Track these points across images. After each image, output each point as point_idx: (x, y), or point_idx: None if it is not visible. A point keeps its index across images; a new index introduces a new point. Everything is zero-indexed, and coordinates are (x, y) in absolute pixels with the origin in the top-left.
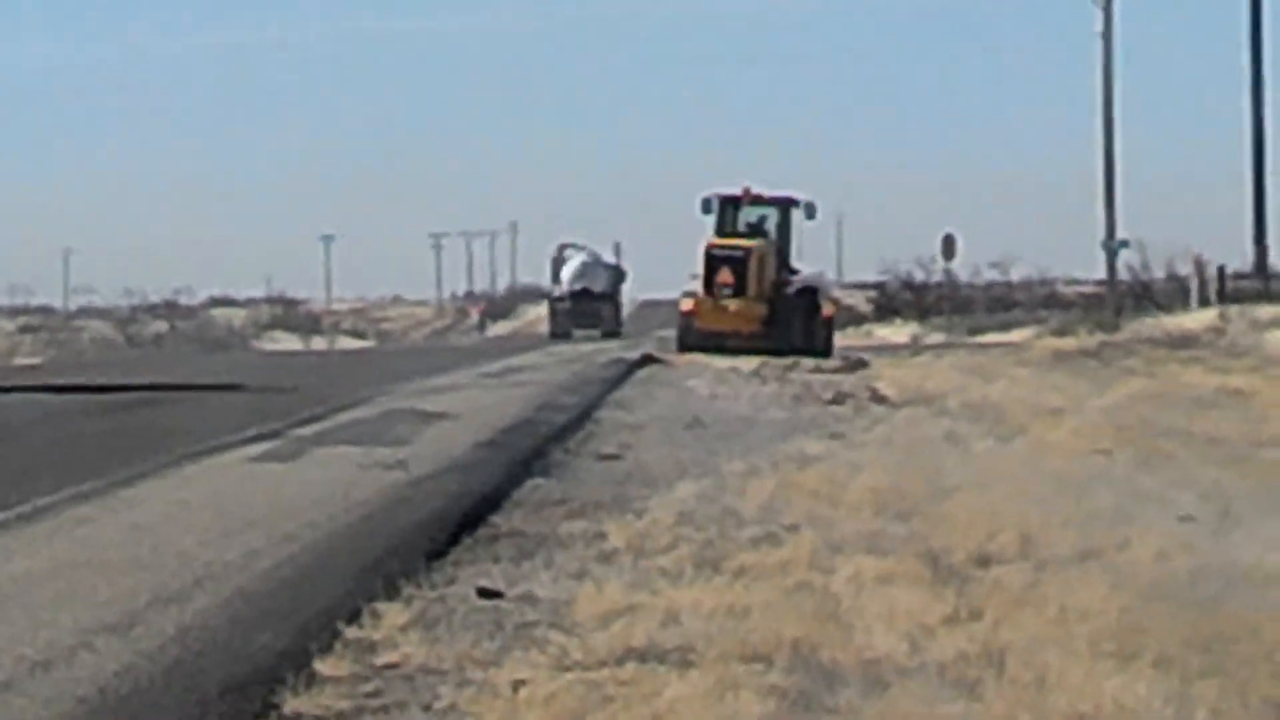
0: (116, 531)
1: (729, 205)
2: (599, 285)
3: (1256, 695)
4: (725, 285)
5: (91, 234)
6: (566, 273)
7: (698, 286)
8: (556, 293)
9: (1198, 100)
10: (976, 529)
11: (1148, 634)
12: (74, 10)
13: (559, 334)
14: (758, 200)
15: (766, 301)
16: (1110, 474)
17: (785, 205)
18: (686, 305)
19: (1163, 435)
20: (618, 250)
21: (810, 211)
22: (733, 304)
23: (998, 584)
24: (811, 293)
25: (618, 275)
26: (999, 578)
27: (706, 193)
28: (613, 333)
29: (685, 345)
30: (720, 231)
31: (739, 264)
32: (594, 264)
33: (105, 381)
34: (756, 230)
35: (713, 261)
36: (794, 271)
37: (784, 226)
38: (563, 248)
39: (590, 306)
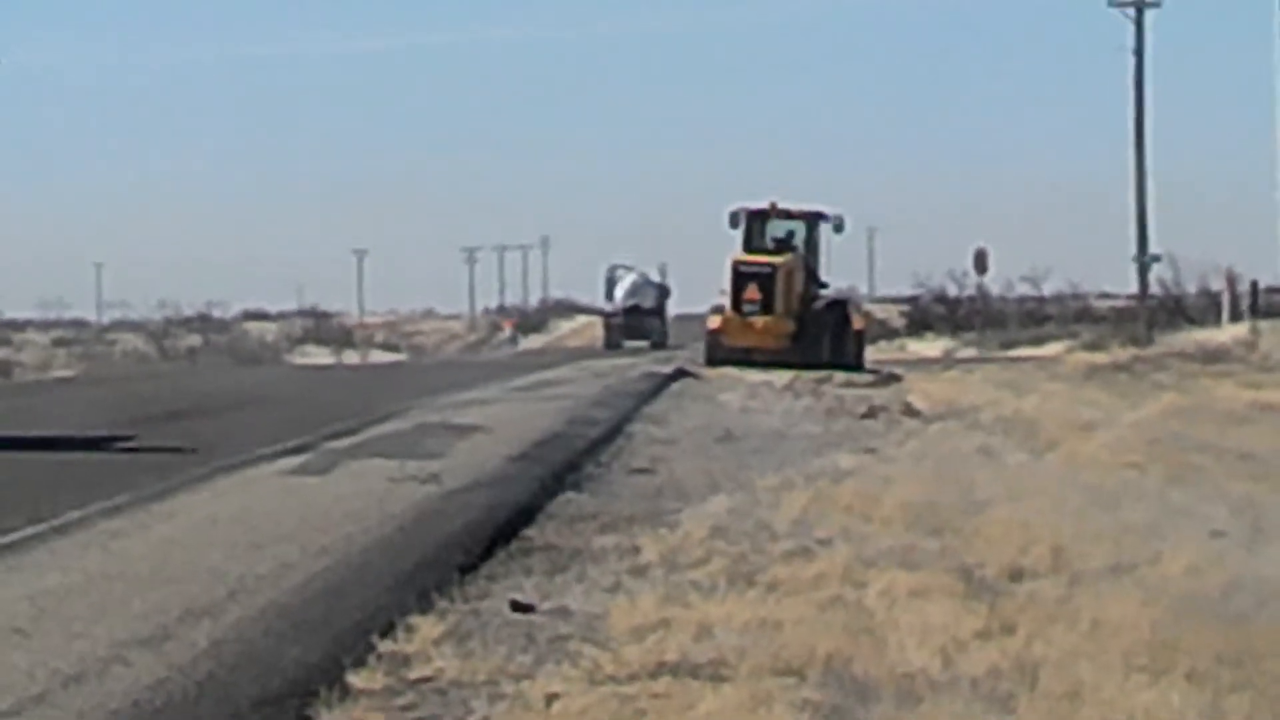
0: (149, 545)
1: (756, 219)
2: (648, 302)
3: None
4: (752, 301)
5: (124, 247)
6: (619, 291)
7: (725, 302)
8: (610, 308)
9: (1230, 114)
10: (1009, 543)
11: (1180, 648)
12: (107, 23)
13: (612, 345)
14: (785, 214)
15: (795, 317)
16: (1142, 488)
17: (813, 219)
18: (714, 322)
19: (1194, 450)
20: (663, 270)
21: (838, 225)
22: (760, 320)
23: (1030, 598)
24: (841, 306)
25: (664, 292)
26: (1032, 592)
27: (734, 207)
28: (660, 344)
29: (713, 361)
30: (748, 246)
31: (766, 280)
32: (644, 283)
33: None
34: (784, 245)
35: (740, 278)
36: (823, 285)
37: (812, 240)
38: (614, 268)
39: (640, 321)
